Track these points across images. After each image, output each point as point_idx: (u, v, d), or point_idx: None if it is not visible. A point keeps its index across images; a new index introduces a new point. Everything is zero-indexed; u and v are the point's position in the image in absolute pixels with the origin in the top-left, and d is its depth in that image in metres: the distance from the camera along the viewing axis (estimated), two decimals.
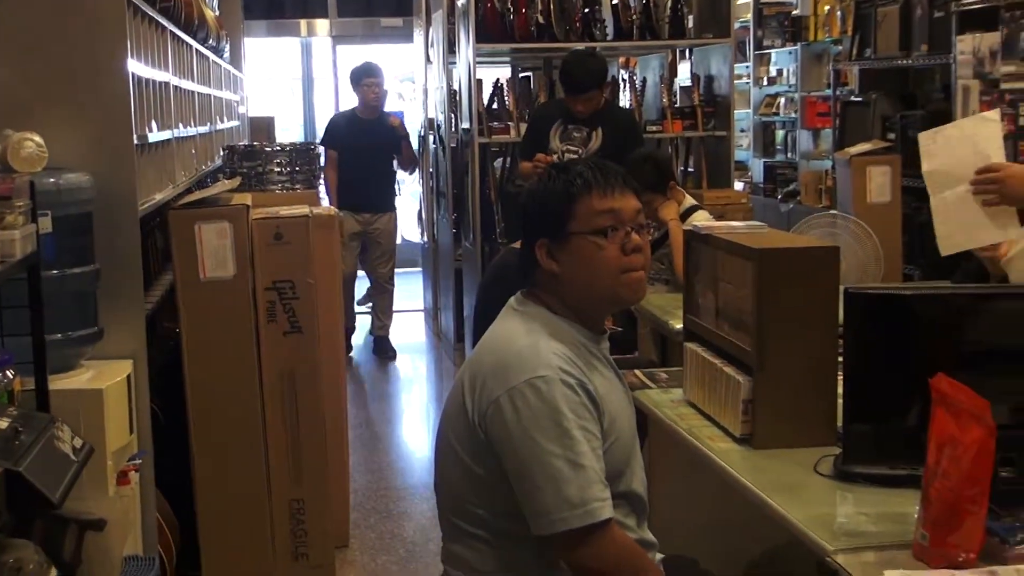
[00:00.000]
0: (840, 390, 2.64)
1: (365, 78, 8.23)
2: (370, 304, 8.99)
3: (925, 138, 3.54)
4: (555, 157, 6.11)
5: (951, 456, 2.10)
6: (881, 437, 2.51)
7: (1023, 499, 2.25)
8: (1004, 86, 5.78)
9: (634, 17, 7.73)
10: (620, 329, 4.96)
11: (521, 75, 8.44)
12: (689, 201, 5.48)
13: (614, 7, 7.73)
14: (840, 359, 2.69)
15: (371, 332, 8.78)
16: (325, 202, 7.08)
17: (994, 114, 3.71)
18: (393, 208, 8.51)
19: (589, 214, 2.45)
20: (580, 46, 7.16)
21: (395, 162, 8.49)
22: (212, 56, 6.76)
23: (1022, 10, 5.58)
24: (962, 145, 3.47)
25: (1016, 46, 5.65)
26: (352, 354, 8.57)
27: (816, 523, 2.35)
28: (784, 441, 2.79)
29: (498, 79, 8.33)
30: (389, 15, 12.78)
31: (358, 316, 9.16)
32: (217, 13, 7.89)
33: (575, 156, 6.14)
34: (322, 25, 12.90)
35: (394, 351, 8.65)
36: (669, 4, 7.74)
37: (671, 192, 5.31)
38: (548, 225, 2.47)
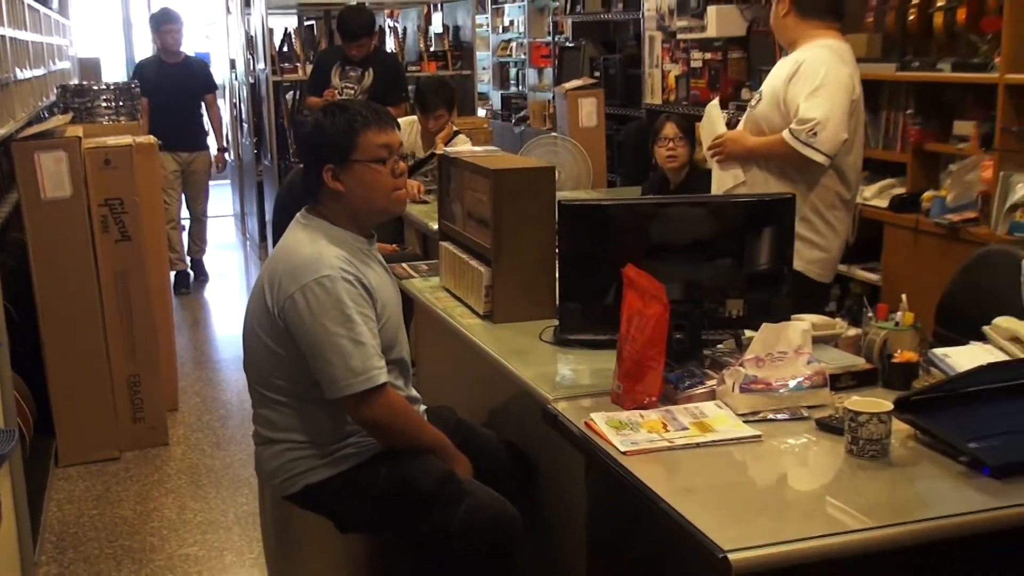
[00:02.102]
0: (557, 276, 2.70)
1: (164, 24, 7.15)
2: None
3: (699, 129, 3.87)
4: (336, 92, 6.06)
5: (637, 326, 2.18)
6: (588, 312, 2.56)
7: (690, 355, 2.36)
8: (679, 36, 5.93)
9: None
10: (405, 248, 4.97)
11: (306, 24, 8.20)
12: (452, 128, 5.49)
13: None
14: (557, 252, 2.75)
15: (187, 254, 7.57)
16: None
17: (715, 101, 3.88)
18: (206, 146, 7.43)
19: (369, 146, 2.46)
20: (353, 1, 7.03)
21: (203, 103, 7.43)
22: (42, 8, 6.32)
23: None
24: (708, 127, 3.72)
25: (688, 5, 5.79)
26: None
27: (540, 379, 2.41)
28: (516, 316, 2.84)
29: (287, 27, 8.09)
30: None
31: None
32: None
33: (352, 91, 6.11)
34: None
35: (207, 275, 7.64)
36: None
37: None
38: (334, 154, 2.46)
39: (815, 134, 3.24)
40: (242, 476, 4.09)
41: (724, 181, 3.61)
